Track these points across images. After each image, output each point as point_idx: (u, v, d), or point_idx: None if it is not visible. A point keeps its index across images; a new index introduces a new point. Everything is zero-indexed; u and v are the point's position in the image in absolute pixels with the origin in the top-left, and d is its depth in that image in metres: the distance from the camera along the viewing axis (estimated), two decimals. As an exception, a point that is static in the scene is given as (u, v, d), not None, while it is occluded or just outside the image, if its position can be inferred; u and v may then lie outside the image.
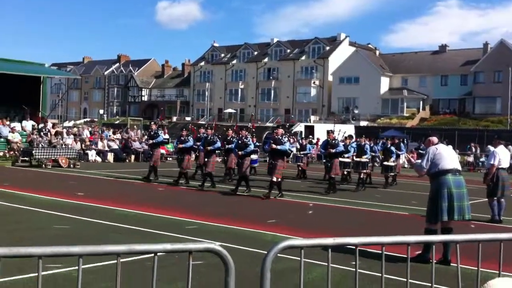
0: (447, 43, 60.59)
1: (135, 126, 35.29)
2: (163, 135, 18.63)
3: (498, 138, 10.67)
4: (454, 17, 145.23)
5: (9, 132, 21.26)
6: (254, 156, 18.05)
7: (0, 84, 21.78)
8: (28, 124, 23.01)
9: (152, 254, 2.61)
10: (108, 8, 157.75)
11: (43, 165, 19.50)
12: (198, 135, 16.94)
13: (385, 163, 17.40)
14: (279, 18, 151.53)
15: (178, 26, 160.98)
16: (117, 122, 62.02)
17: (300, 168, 20.21)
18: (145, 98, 77.12)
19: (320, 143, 22.90)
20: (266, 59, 65.73)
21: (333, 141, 14.46)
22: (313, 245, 3.05)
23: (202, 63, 71.41)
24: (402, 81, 57.58)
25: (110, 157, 25.51)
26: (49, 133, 21.74)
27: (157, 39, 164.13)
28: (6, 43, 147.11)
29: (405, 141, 32.57)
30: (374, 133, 33.20)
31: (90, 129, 30.32)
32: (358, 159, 16.13)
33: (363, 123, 50.99)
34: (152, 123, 19.32)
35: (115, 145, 26.69)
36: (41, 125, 22.45)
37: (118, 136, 29.27)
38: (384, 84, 57.34)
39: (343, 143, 15.41)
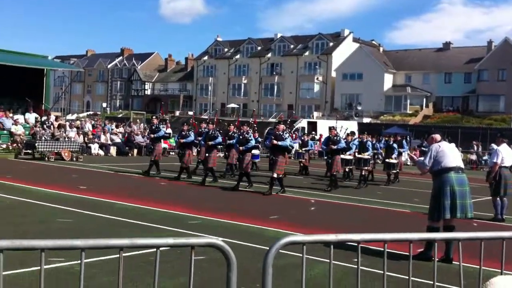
0: (451, 41, 60.58)
1: (137, 120, 35.32)
2: (165, 130, 18.60)
3: (501, 136, 10.63)
4: (458, 14, 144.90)
5: (12, 124, 21.28)
6: (256, 152, 18.03)
7: (4, 76, 21.78)
8: (31, 117, 23.03)
9: (155, 249, 2.61)
10: (112, 1, 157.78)
11: (46, 158, 19.53)
12: (200, 130, 16.93)
13: (387, 160, 17.38)
14: (283, 13, 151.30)
15: (182, 20, 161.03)
16: (120, 115, 62.03)
17: (302, 165, 20.19)
18: (148, 92, 77.09)
19: (322, 139, 22.85)
20: (269, 55, 65.61)
21: (335, 138, 14.43)
22: (315, 241, 3.05)
23: (206, 58, 71.34)
24: (405, 78, 57.45)
25: (113, 150, 25.54)
26: (52, 126, 21.73)
27: (161, 32, 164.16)
28: (8, 36, 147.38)
29: (408, 139, 32.53)
30: (377, 130, 33.10)
31: (93, 122, 30.35)
32: (359, 156, 16.11)
33: (366, 120, 50.93)
34: (154, 117, 19.30)
35: (117, 139, 26.72)
36: (44, 118, 22.45)
37: (121, 129, 29.30)
38: (388, 81, 57.22)
39: (345, 140, 15.37)
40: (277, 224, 8.55)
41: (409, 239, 3.18)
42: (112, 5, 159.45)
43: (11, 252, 2.40)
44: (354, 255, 3.32)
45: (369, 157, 16.47)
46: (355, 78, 57.74)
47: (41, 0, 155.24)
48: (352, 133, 16.97)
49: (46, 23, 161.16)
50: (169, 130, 26.40)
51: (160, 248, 2.61)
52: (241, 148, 13.53)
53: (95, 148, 24.81)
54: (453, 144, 7.13)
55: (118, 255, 2.54)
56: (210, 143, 14.54)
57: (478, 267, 3.26)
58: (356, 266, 3.05)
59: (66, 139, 21.54)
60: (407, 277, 3.17)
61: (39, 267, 2.41)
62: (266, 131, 26.10)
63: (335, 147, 14.21)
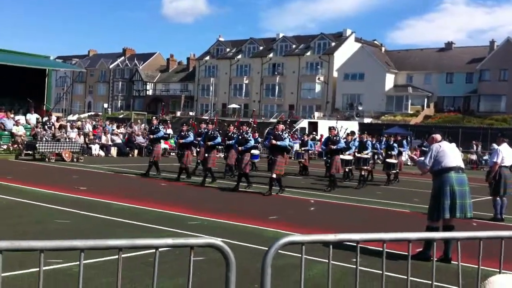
0: (453, 41, 60.40)
1: (139, 121, 35.37)
2: (164, 130, 18.60)
3: (502, 136, 10.63)
4: (460, 14, 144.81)
5: (13, 125, 21.29)
6: (255, 152, 18.02)
7: (5, 76, 21.78)
8: (33, 117, 23.03)
9: (154, 249, 2.62)
10: (114, 1, 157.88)
11: (47, 159, 19.54)
12: (199, 130, 16.95)
13: (387, 160, 17.39)
14: (286, 13, 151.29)
15: (184, 20, 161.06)
16: (121, 116, 62.08)
17: (301, 165, 20.19)
18: (149, 92, 77.13)
19: (323, 139, 22.85)
20: (271, 55, 65.60)
21: (335, 138, 14.42)
22: (314, 241, 3.05)
23: (207, 58, 71.34)
24: (407, 78, 57.41)
25: (114, 151, 25.56)
26: (53, 127, 21.76)
27: (163, 33, 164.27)
28: (10, 36, 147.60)
29: (409, 139, 32.53)
30: (378, 130, 33.10)
31: (94, 123, 30.36)
32: (359, 155, 16.12)
33: (367, 120, 50.92)
34: (154, 118, 19.30)
35: (118, 140, 26.74)
36: (45, 119, 22.47)
37: (122, 130, 29.32)
38: (389, 81, 57.18)
39: (344, 140, 15.38)
40: (276, 225, 8.56)
41: (408, 239, 3.18)
42: (114, 5, 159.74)
43: (9, 253, 2.41)
44: (353, 255, 3.33)
45: (369, 156, 16.47)
46: (357, 78, 57.70)
47: (42, 0, 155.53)
48: (352, 132, 16.97)
49: (48, 23, 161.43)
50: (170, 131, 26.42)
51: (159, 249, 2.62)
52: (240, 148, 13.52)
53: (95, 149, 24.83)
54: (453, 144, 7.14)
55: (117, 256, 2.55)
56: (209, 143, 14.51)
57: (477, 266, 3.26)
58: (355, 266, 3.05)
59: (67, 140, 21.55)
60: (406, 277, 3.18)
61: (38, 269, 2.42)
62: (266, 131, 26.11)
63: (334, 147, 14.20)
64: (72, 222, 7.96)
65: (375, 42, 65.83)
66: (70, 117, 49.43)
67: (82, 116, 62.17)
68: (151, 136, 16.64)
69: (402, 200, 13.10)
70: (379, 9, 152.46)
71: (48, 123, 21.65)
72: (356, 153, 16.30)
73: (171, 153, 27.39)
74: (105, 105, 71.05)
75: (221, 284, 2.79)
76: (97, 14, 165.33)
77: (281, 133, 12.91)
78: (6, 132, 20.92)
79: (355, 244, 3.03)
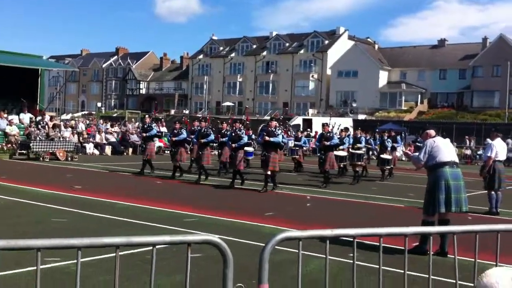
0: (446, 38, 60.47)
1: (133, 119, 35.29)
2: (157, 128, 18.55)
3: (496, 131, 10.68)
4: (454, 12, 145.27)
5: (7, 125, 21.20)
6: (249, 149, 18.02)
7: (-2, 77, 21.70)
8: (26, 117, 22.94)
9: (151, 247, 2.61)
10: (107, 1, 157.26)
11: (41, 158, 19.47)
12: (192, 128, 16.89)
13: (382, 156, 17.43)
14: (279, 11, 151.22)
15: (177, 19, 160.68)
16: (115, 115, 61.86)
17: (296, 161, 20.19)
18: (143, 91, 76.94)
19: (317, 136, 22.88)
20: (264, 53, 65.58)
21: (328, 134, 14.43)
22: (311, 237, 3.06)
23: (201, 56, 71.23)
24: (400, 75, 57.57)
25: (108, 150, 25.49)
26: (46, 126, 21.67)
27: (156, 32, 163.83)
28: (4, 36, 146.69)
29: (403, 134, 32.63)
30: (372, 127, 33.18)
31: (87, 122, 30.26)
32: (353, 151, 16.15)
33: (361, 117, 51.01)
34: (147, 116, 19.26)
35: (112, 138, 26.67)
36: (38, 118, 22.37)
37: (116, 129, 29.23)
38: (383, 77, 57.32)
39: (338, 136, 15.41)
40: (273, 221, 8.57)
41: (404, 233, 3.19)
42: (107, 4, 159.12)
43: (6, 252, 2.40)
44: (350, 250, 3.34)
45: (363, 152, 16.50)
46: (350, 76, 57.79)
47: (35, 0, 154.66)
48: (346, 128, 17.00)
49: (40, 23, 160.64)
50: (163, 129, 26.36)
51: (157, 246, 2.62)
52: (233, 145, 13.52)
53: (90, 148, 24.76)
54: (447, 139, 7.17)
55: (114, 254, 2.54)
56: (202, 140, 14.49)
57: (473, 260, 3.28)
58: (352, 261, 3.06)
59: (61, 139, 21.48)
60: (403, 271, 3.19)
61: (35, 267, 2.40)
62: (260, 128, 26.08)
63: (328, 143, 14.20)
64: (69, 221, 7.94)
65: (369, 39, 65.95)
66: (64, 117, 49.27)
67: (75, 115, 61.92)
68: (144, 134, 16.60)
69: (397, 195, 13.14)
70: (373, 7, 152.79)
71: (41, 123, 21.55)
72: (350, 149, 16.34)
73: (165, 151, 27.34)
74: (99, 104, 70.85)
75: (218, 280, 2.79)
76: (90, 14, 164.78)
77: (274, 130, 12.92)
78: (-1, 132, 20.84)
79: (352, 239, 3.03)
